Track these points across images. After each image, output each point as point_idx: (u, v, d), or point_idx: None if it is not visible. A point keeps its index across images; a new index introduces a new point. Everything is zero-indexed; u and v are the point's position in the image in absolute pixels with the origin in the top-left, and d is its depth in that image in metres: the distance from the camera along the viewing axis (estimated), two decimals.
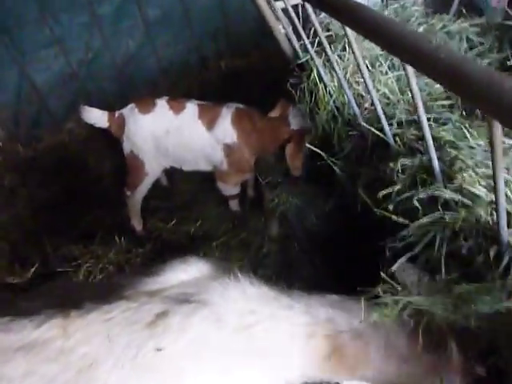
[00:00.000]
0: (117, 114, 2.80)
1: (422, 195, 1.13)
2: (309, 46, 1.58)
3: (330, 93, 1.68)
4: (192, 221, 3.15)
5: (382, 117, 1.30)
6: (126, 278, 1.25)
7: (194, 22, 4.14)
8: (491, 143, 0.82)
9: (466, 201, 1.04)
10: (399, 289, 1.06)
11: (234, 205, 3.05)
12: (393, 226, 1.35)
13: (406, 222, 1.15)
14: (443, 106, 1.47)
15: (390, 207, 1.21)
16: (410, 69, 0.98)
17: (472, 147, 1.18)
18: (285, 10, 1.76)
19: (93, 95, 4.10)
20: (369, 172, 1.44)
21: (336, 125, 1.68)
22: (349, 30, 1.18)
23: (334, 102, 1.68)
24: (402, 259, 1.08)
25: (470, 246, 1.00)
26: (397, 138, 1.33)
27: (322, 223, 2.00)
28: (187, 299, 1.03)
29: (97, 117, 2.81)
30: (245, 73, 4.46)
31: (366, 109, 1.57)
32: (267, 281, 2.66)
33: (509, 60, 1.64)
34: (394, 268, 1.09)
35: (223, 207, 3.19)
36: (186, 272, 1.13)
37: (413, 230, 1.11)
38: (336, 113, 1.70)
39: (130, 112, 2.73)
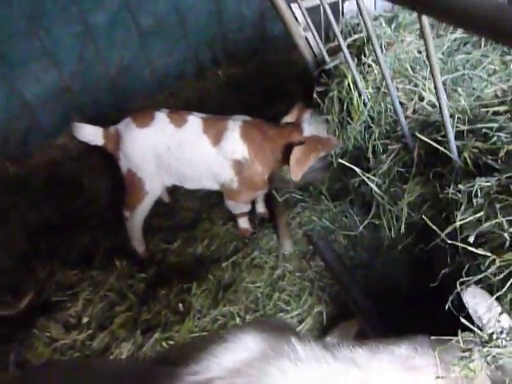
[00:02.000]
0: (112, 129, 2.58)
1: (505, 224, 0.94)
2: (345, 48, 1.40)
3: (364, 101, 1.51)
4: (198, 240, 2.94)
5: (448, 125, 1.12)
6: (154, 369, 1.01)
7: (190, 31, 3.99)
8: None
9: None
10: (485, 337, 0.87)
11: (243, 222, 2.85)
12: (453, 253, 1.16)
13: (488, 254, 0.96)
14: (495, 112, 1.30)
15: (471, 237, 1.01)
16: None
17: None
18: (310, 12, 1.59)
19: (87, 108, 3.92)
20: (417, 190, 1.25)
21: (371, 137, 1.50)
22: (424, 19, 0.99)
23: (368, 111, 1.50)
24: (489, 300, 0.88)
25: None
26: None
27: (352, 245, 1.80)
28: None
29: (91, 133, 2.58)
30: (244, 81, 4.31)
31: (407, 117, 1.39)
32: (286, 304, 2.47)
33: None
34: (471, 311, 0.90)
35: (231, 224, 2.98)
36: (232, 356, 0.90)
37: (497, 264, 0.93)
38: (371, 123, 1.52)
39: (127, 127, 2.52)
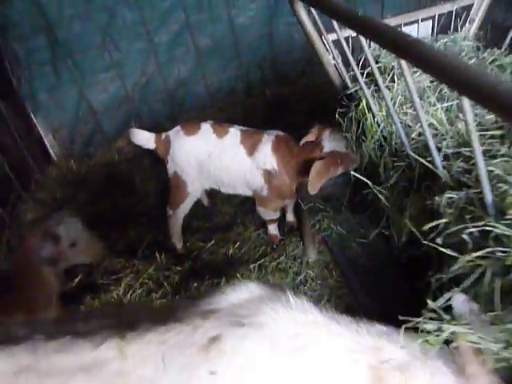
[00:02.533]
0: (163, 135, 2.90)
1: (472, 229, 1.10)
2: (359, 77, 1.61)
3: (377, 122, 1.70)
4: (230, 242, 3.18)
5: (433, 147, 1.30)
6: (180, 301, 1.28)
7: (243, 52, 4.30)
8: None
9: None
10: (446, 318, 1.04)
11: (272, 229, 3.07)
12: (439, 258, 1.32)
13: (455, 254, 1.12)
14: (493, 136, 1.44)
15: (439, 240, 1.18)
16: (466, 102, 0.98)
17: None
18: (336, 42, 1.81)
19: (144, 116, 4.33)
20: (416, 203, 1.42)
21: (383, 154, 1.68)
22: (403, 63, 1.20)
23: (381, 131, 1.69)
24: (461, 297, 1.04)
25: None
26: (444, 171, 1.32)
27: (364, 252, 1.97)
28: (239, 322, 1.04)
29: (144, 138, 2.93)
30: (289, 100, 4.56)
31: (413, 139, 1.57)
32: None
33: None
34: (452, 300, 1.06)
35: (262, 230, 3.21)
36: (238, 295, 1.14)
37: (462, 264, 1.09)
38: (383, 142, 1.71)
39: (176, 134, 2.83)
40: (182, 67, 4.23)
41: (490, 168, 1.18)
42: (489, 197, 1.09)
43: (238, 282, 1.22)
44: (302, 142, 2.54)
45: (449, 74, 0.95)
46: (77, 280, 3.03)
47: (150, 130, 3.07)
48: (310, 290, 2.76)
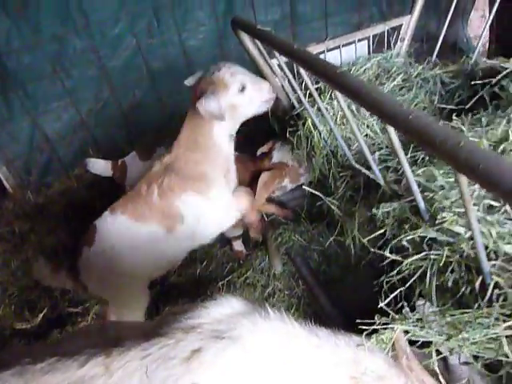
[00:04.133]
0: (119, 162, 2.93)
1: (409, 237, 1.22)
2: (302, 98, 1.73)
3: (324, 138, 1.82)
4: (197, 262, 3.22)
5: (370, 159, 1.42)
6: (163, 317, 1.32)
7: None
8: (461, 193, 0.93)
9: (448, 239, 1.14)
10: (396, 317, 1.13)
11: (237, 245, 3.13)
12: (390, 262, 1.43)
13: (399, 259, 1.23)
14: (415, 146, 1.58)
15: (386, 250, 1.30)
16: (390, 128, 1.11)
17: (443, 187, 1.27)
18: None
19: (101, 142, 4.30)
20: (362, 212, 1.53)
21: (331, 167, 1.80)
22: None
23: (328, 146, 1.81)
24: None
25: (456, 278, 1.08)
26: (382, 180, 1.45)
27: (325, 260, 2.07)
28: (219, 335, 1.09)
29: (101, 167, 2.95)
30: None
31: (356, 153, 1.69)
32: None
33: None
34: (417, 303, 1.16)
35: (228, 247, 3.27)
36: (219, 309, 1.20)
37: (405, 267, 1.20)
38: (331, 156, 1.83)
39: (132, 159, 2.88)
40: (137, 91, 4.25)
41: (416, 179, 1.30)
42: (421, 204, 1.21)
43: (220, 296, 1.27)
44: (258, 152, 2.66)
45: (369, 103, 1.08)
46: (41, 315, 2.96)
47: (108, 154, 3.08)
48: (279, 302, 2.83)
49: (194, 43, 4.21)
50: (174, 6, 3.98)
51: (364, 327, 1.21)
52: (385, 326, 1.12)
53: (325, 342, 1.21)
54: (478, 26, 5.36)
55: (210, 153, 2.19)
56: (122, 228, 2.25)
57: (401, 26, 2.32)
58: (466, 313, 1.00)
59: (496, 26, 4.78)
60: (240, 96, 2.07)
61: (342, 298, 1.99)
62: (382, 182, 1.42)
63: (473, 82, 1.74)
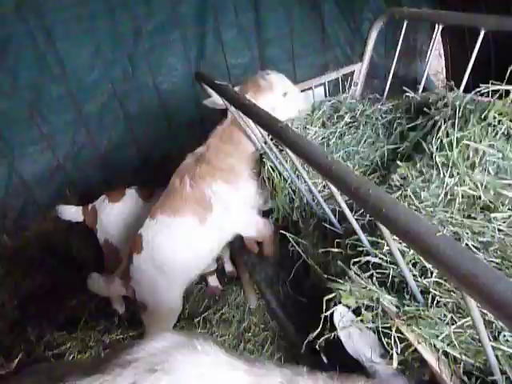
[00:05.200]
0: (89, 206, 3.02)
1: (361, 261, 1.36)
2: (262, 143, 1.88)
3: (284, 178, 1.96)
4: None
5: (322, 200, 1.56)
6: (106, 355, 1.39)
7: (171, 114, 4.55)
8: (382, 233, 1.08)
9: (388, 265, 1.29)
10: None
11: (212, 281, 3.20)
12: None
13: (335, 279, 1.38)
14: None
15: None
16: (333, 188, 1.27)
17: None
18: None
19: (78, 184, 4.36)
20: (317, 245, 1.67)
21: (294, 205, 1.94)
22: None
23: (289, 186, 1.95)
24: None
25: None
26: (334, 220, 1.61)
27: (294, 292, 2.16)
28: (152, 368, 1.18)
29: (71, 213, 3.03)
30: None
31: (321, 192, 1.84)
32: (250, 354, 2.75)
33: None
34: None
35: (203, 284, 3.33)
36: (154, 344, 1.28)
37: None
38: (293, 195, 1.97)
39: (102, 203, 2.97)
40: (113, 133, 4.37)
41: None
42: (365, 241, 1.35)
43: (160, 332, 1.36)
44: None
45: (302, 155, 1.24)
46: (16, 360, 2.94)
47: (85, 196, 3.15)
48: (254, 336, 2.89)
49: (168, 87, 4.40)
50: (149, 52, 4.18)
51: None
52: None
53: (254, 374, 1.30)
54: (436, 63, 5.77)
55: (240, 147, 2.32)
56: (164, 227, 2.36)
57: (353, 72, 2.55)
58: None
59: (451, 63, 5.16)
60: (281, 100, 2.23)
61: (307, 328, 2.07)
62: (337, 225, 1.57)
63: (410, 114, 1.93)
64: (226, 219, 2.34)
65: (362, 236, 1.33)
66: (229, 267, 3.34)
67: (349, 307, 1.35)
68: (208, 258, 2.55)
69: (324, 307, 1.38)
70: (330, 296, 1.36)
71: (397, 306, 1.24)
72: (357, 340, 1.36)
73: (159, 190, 2.94)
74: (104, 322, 3.13)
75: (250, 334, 2.91)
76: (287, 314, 2.18)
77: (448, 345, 1.14)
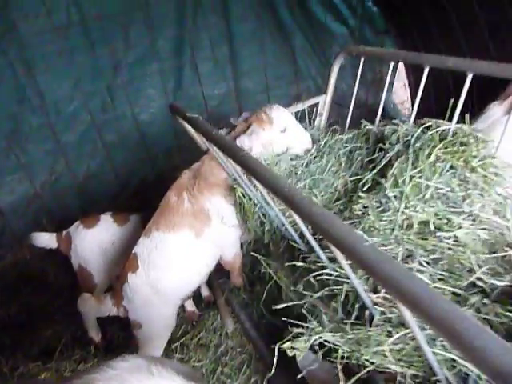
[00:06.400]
0: (64, 233, 3.06)
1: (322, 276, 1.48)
2: (233, 170, 2.00)
3: (254, 203, 2.09)
4: None
5: (289, 228, 1.69)
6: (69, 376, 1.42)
7: (149, 144, 4.66)
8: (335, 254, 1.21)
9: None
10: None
11: (189, 306, 3.24)
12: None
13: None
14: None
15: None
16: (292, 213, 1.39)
17: None
18: None
19: (55, 212, 4.38)
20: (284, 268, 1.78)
21: (264, 229, 2.05)
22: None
23: (259, 210, 2.07)
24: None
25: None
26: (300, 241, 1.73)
27: (267, 312, 2.24)
28: None
29: (45, 240, 3.06)
30: None
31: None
32: (227, 378, 2.78)
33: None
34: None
35: (181, 309, 3.36)
36: (112, 367, 1.33)
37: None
38: (263, 219, 2.09)
39: (76, 229, 3.01)
40: (91, 162, 4.45)
41: None
42: (323, 257, 1.47)
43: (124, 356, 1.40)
44: None
45: (263, 182, 1.37)
46: None
47: (62, 224, 3.19)
48: (231, 360, 2.92)
49: (146, 117, 4.54)
50: (127, 84, 4.32)
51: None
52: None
53: None
54: (402, 93, 6.11)
55: None
56: (159, 244, 2.41)
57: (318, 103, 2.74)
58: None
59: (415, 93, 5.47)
60: (280, 135, 2.34)
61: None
62: (303, 247, 1.69)
63: (369, 145, 2.09)
64: (222, 232, 2.43)
65: (321, 253, 1.45)
66: (205, 292, 3.38)
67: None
68: (202, 274, 2.61)
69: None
70: (285, 345, 1.44)
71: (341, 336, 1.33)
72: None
73: (134, 215, 3.03)
74: (79, 351, 3.11)
75: (227, 358, 2.94)
76: (260, 334, 2.26)
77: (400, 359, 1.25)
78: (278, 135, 2.35)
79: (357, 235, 1.04)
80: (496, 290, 1.33)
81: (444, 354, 1.14)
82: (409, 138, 1.76)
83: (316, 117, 2.73)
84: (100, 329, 3.23)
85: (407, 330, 1.22)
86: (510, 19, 3.42)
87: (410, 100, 5.70)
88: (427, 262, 1.44)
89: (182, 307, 3.32)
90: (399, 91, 6.09)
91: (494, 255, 1.46)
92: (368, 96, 5.54)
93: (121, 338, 3.24)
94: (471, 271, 1.40)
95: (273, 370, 1.51)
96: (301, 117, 2.71)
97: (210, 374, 2.87)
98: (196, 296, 3.29)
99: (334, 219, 1.10)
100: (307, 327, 1.41)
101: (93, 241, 2.93)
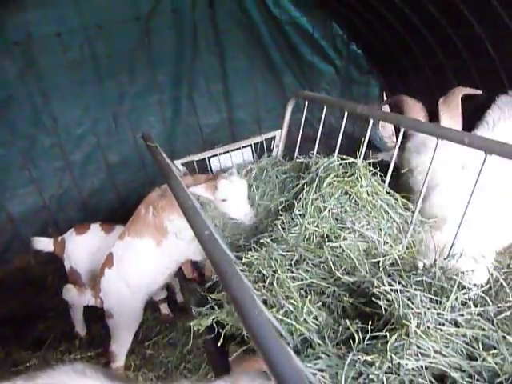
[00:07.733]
0: (60, 238, 3.52)
1: None
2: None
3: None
4: None
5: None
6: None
7: (148, 165, 5.17)
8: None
9: None
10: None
11: (164, 308, 3.65)
12: None
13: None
14: None
15: None
16: None
17: None
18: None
19: (61, 223, 4.89)
20: None
21: None
22: None
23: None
24: None
25: None
26: None
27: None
28: None
29: (44, 244, 3.52)
30: None
31: None
32: (189, 372, 3.14)
33: None
34: None
35: (158, 312, 3.77)
36: (56, 371, 1.59)
37: None
38: None
39: (70, 235, 3.47)
40: (95, 180, 4.98)
41: None
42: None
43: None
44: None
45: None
46: None
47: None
48: (194, 358, 3.30)
49: None
50: (130, 112, 4.90)
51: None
52: None
53: None
54: (390, 127, 6.50)
55: None
56: (129, 246, 2.88)
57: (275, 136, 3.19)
58: None
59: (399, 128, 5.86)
60: (221, 203, 2.63)
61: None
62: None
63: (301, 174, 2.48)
64: (178, 245, 2.82)
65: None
66: (180, 298, 3.79)
67: None
68: (165, 274, 3.03)
69: None
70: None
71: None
72: None
73: (119, 225, 3.48)
74: (66, 344, 3.54)
75: (191, 356, 3.31)
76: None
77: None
78: (219, 202, 2.65)
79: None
80: (360, 287, 1.71)
81: None
82: (321, 168, 2.18)
83: (273, 147, 3.18)
84: (85, 325, 3.67)
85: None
86: (468, 65, 3.89)
87: (394, 134, 6.09)
88: (314, 264, 1.83)
89: (159, 310, 3.72)
90: (387, 125, 6.50)
91: (371, 260, 1.84)
92: (355, 129, 5.93)
93: (103, 334, 3.63)
94: (345, 270, 1.79)
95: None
96: (260, 147, 3.18)
97: (174, 368, 3.24)
98: (172, 301, 3.70)
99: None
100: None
101: (82, 246, 3.39)
